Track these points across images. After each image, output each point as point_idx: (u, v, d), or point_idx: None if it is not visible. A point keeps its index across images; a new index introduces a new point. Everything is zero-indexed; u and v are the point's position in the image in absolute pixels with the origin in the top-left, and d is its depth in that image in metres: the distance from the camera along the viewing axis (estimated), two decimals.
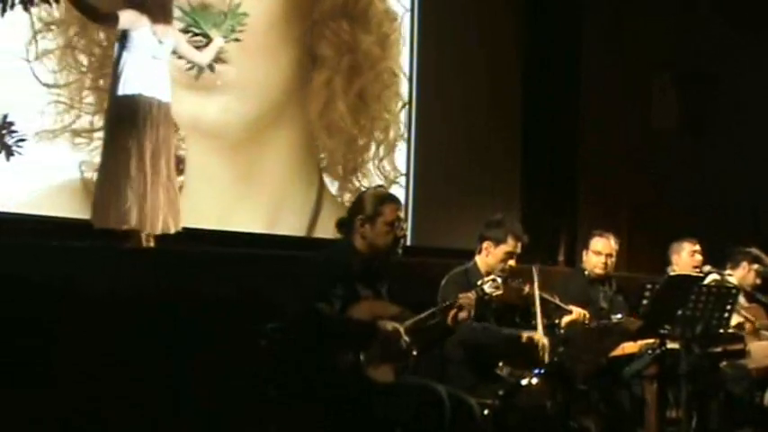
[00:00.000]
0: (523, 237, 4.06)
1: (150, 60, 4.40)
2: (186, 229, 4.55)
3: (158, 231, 4.38)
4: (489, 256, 4.01)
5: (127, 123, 4.38)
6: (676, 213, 6.47)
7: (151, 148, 4.37)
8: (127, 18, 4.36)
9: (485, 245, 4.04)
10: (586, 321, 4.20)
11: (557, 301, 4.20)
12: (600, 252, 4.73)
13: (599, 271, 4.74)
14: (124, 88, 4.38)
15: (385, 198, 3.45)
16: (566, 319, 4.18)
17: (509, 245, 4.00)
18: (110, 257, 4.13)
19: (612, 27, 6.85)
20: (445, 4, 6.33)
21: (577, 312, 4.22)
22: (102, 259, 4.05)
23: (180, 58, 4.72)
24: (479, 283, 3.57)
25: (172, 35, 4.54)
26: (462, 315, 3.44)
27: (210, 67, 4.85)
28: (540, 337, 3.91)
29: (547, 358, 3.86)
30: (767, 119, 6.78)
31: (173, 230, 4.44)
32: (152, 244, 4.40)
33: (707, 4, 6.85)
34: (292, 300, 3.24)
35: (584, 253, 4.83)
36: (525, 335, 3.93)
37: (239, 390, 3.90)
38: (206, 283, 4.14)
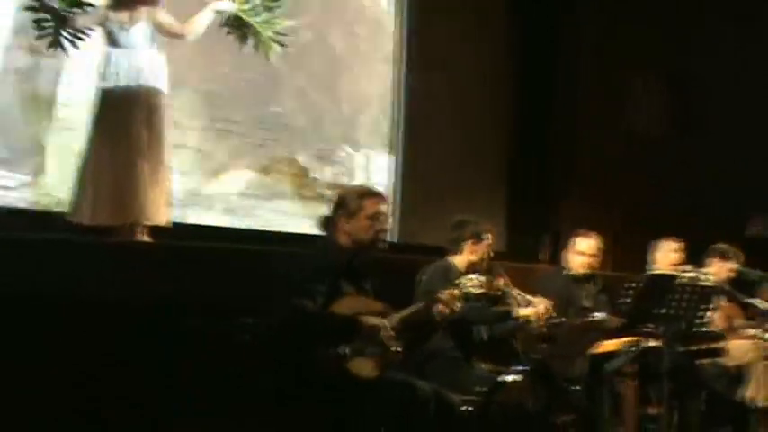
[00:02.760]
0: (492, 229, 4.33)
1: (120, 51, 4.40)
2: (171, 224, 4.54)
3: (148, 223, 4.36)
4: (474, 254, 4.18)
5: (106, 116, 4.38)
6: (665, 213, 6.50)
7: (134, 139, 4.35)
8: (97, 15, 4.42)
9: (468, 243, 4.20)
10: (548, 314, 4.21)
11: (524, 294, 4.23)
12: (584, 252, 4.75)
13: (583, 270, 4.76)
14: (102, 82, 4.41)
15: (366, 193, 3.49)
16: (525, 311, 4.19)
17: (489, 239, 4.22)
18: (95, 252, 4.11)
19: (603, 27, 6.89)
20: (436, 2, 6.34)
21: (543, 305, 4.20)
22: (86, 254, 4.04)
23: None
24: (462, 280, 3.59)
25: (145, 19, 4.44)
26: (446, 311, 3.48)
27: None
28: (526, 311, 4.11)
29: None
30: (753, 118, 6.85)
31: (162, 223, 4.41)
32: (145, 237, 4.39)
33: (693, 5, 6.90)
34: (275, 295, 3.24)
35: (565, 252, 4.82)
36: (520, 312, 4.10)
37: (221, 384, 3.90)
38: (189, 277, 4.14)
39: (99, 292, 3.80)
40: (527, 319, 4.12)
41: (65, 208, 4.50)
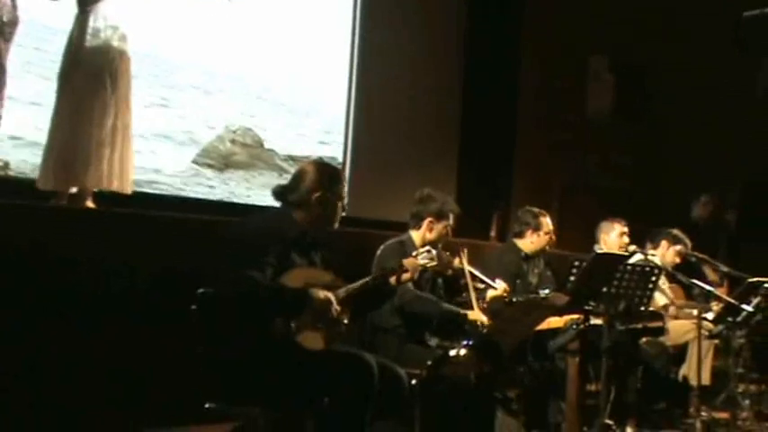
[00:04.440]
0: (457, 209, 4.23)
1: (80, 15, 4.35)
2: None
3: (105, 188, 4.32)
4: (432, 232, 4.14)
5: (67, 81, 4.32)
6: (608, 195, 6.63)
7: (90, 104, 4.29)
8: None
9: (427, 221, 4.16)
10: (507, 297, 4.28)
11: (483, 276, 4.28)
12: (550, 232, 4.82)
13: (549, 249, 4.83)
14: (67, 50, 4.35)
15: (337, 173, 3.54)
16: (490, 294, 4.26)
17: (449, 219, 4.16)
18: (39, 216, 4.06)
19: (552, 10, 6.94)
20: None
21: (502, 288, 4.30)
22: (30, 218, 3.98)
23: None
24: (414, 254, 3.63)
25: None
26: (406, 276, 3.53)
27: None
28: (478, 315, 4.06)
29: (486, 331, 4.00)
30: (700, 107, 7.00)
31: (121, 189, 4.37)
32: (90, 204, 4.34)
33: None
34: (224, 265, 3.24)
35: (530, 233, 4.82)
36: (469, 315, 4.06)
37: (168, 353, 3.90)
38: (137, 245, 4.11)
39: (30, 251, 3.76)
40: (474, 322, 4.06)
41: (11, 171, 4.43)
